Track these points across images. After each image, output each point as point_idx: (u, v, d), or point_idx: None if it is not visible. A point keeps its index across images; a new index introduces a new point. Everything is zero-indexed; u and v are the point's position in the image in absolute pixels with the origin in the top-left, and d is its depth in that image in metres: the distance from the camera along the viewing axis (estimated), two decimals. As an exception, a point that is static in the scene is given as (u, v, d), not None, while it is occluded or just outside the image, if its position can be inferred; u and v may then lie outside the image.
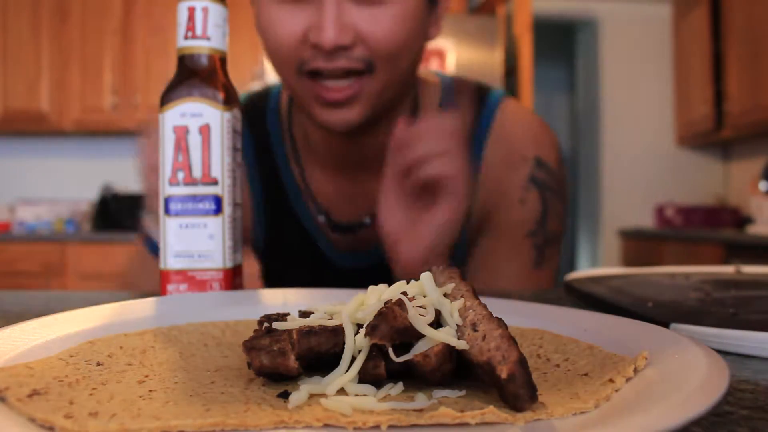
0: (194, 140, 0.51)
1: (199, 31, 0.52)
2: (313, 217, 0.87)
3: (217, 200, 0.52)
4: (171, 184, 0.52)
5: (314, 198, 0.87)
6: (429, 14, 0.78)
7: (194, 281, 0.52)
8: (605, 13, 4.51)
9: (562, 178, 0.89)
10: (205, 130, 0.51)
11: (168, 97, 0.52)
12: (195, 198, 0.52)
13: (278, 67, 0.75)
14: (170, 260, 0.52)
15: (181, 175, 0.52)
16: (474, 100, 0.87)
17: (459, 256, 0.85)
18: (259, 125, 0.91)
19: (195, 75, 0.52)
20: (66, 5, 3.64)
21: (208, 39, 0.52)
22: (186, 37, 0.52)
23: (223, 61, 0.55)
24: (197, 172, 0.52)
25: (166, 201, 0.52)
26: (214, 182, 0.52)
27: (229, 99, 0.53)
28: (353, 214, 0.85)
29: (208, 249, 0.52)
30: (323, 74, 0.71)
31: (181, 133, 0.51)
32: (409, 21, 0.73)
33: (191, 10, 0.52)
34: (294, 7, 0.71)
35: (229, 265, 0.53)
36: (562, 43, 5.30)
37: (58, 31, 3.65)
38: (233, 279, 0.53)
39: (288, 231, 0.89)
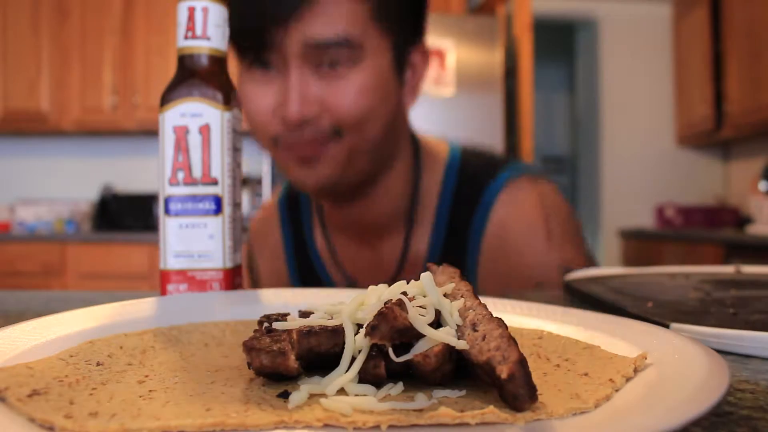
0: (194, 140, 0.51)
1: (199, 31, 0.52)
2: (338, 285, 0.91)
3: (217, 200, 0.52)
4: (171, 184, 0.52)
5: (341, 266, 0.91)
6: (400, 82, 0.81)
7: (194, 281, 0.52)
8: (605, 13, 4.51)
9: (570, 213, 0.91)
10: (205, 130, 0.51)
11: (168, 97, 0.52)
12: (195, 198, 0.52)
13: (257, 137, 0.80)
14: (170, 260, 0.52)
15: (181, 175, 0.52)
16: (477, 183, 0.87)
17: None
18: (293, 204, 0.98)
19: (195, 75, 0.52)
20: (66, 5, 3.64)
21: (208, 39, 0.52)
22: (186, 37, 0.52)
23: (223, 61, 0.55)
24: (197, 172, 0.52)
25: (166, 201, 0.52)
26: (214, 182, 0.52)
27: (229, 99, 0.53)
28: (371, 282, 0.89)
29: (208, 249, 0.52)
30: (293, 143, 0.76)
31: (181, 133, 0.51)
32: (374, 91, 0.76)
33: (191, 10, 0.52)
34: (264, 84, 0.76)
35: (229, 265, 0.53)
36: (562, 43, 5.30)
37: (58, 31, 3.65)
38: (233, 279, 0.53)
39: None
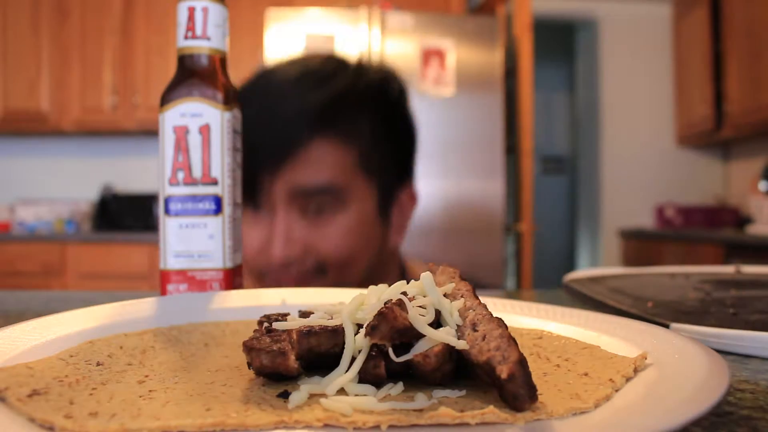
0: (194, 140, 0.51)
1: (199, 31, 0.52)
2: None
3: (217, 200, 0.52)
4: (171, 184, 0.52)
5: None
6: (385, 223, 0.84)
7: (194, 281, 0.52)
8: (605, 13, 4.50)
9: None
10: (205, 130, 0.51)
11: (168, 97, 0.52)
12: (195, 198, 0.52)
13: (248, 270, 0.82)
14: (170, 260, 0.52)
15: (181, 175, 0.52)
16: None
17: None
18: None
19: (195, 75, 0.52)
20: (66, 5, 3.64)
21: (208, 39, 0.52)
22: (186, 37, 0.52)
23: (223, 61, 0.54)
24: (197, 172, 0.52)
25: (166, 201, 0.52)
26: (214, 182, 0.52)
27: (229, 99, 0.53)
28: None
29: (208, 249, 0.52)
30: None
31: (181, 133, 0.51)
32: (358, 233, 0.79)
33: (191, 10, 0.51)
34: (253, 223, 0.79)
35: (229, 265, 0.53)
36: (562, 43, 5.30)
37: (58, 31, 3.64)
38: (233, 279, 0.53)
39: None
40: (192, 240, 0.52)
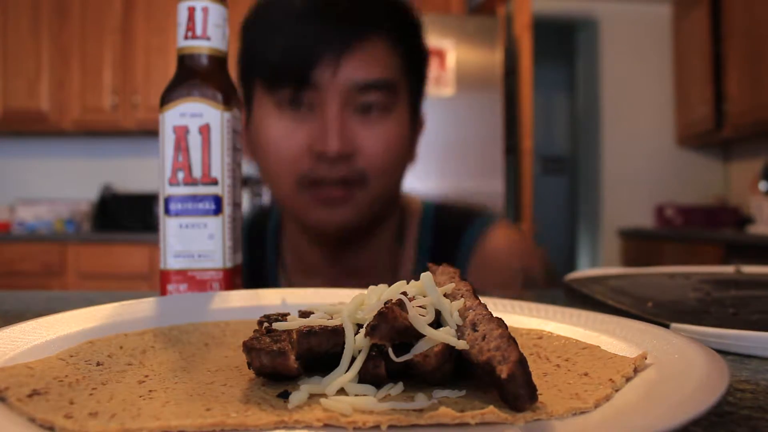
0: (194, 140, 0.51)
1: (199, 31, 0.52)
2: None
3: (217, 200, 0.52)
4: (171, 184, 0.52)
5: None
6: (412, 138, 0.85)
7: (194, 281, 0.52)
8: (605, 13, 4.50)
9: (541, 276, 0.94)
10: (205, 130, 0.51)
11: (168, 97, 0.52)
12: (195, 198, 0.52)
13: (277, 180, 0.80)
14: (170, 260, 0.52)
15: (181, 175, 0.52)
16: (455, 231, 0.90)
17: None
18: (256, 247, 0.95)
19: (195, 75, 0.52)
20: (66, 5, 3.64)
21: (208, 39, 0.52)
22: (186, 37, 0.52)
23: (223, 61, 0.54)
24: (197, 172, 0.52)
25: (166, 201, 0.52)
26: (214, 182, 0.52)
27: (229, 99, 0.53)
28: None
29: (208, 249, 0.52)
30: (320, 183, 0.76)
31: (181, 133, 0.51)
32: (401, 140, 0.80)
33: (191, 10, 0.51)
34: (299, 123, 0.77)
35: (229, 265, 0.53)
36: (562, 43, 5.30)
37: (58, 31, 3.64)
38: (233, 279, 0.53)
39: None
40: (192, 240, 0.52)
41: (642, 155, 4.48)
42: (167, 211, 0.52)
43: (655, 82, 4.50)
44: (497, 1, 3.29)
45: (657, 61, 4.49)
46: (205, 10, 0.51)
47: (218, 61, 0.53)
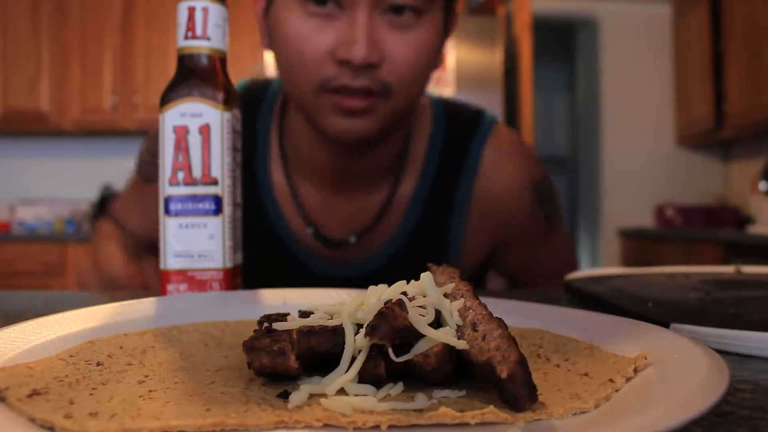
0: (194, 140, 0.51)
1: (199, 31, 0.52)
2: (288, 227, 0.85)
3: (217, 200, 0.52)
4: (171, 184, 0.52)
5: (304, 210, 0.85)
6: (441, 46, 0.81)
7: (194, 281, 0.52)
8: (605, 13, 4.50)
9: (551, 183, 0.93)
10: (205, 130, 0.51)
11: (168, 97, 0.52)
12: (195, 198, 0.52)
13: (295, 81, 0.74)
14: (170, 260, 0.52)
15: (181, 175, 0.52)
16: (465, 128, 0.88)
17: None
18: (249, 121, 0.88)
19: (195, 75, 0.52)
20: (66, 5, 3.64)
21: (208, 39, 0.52)
22: (186, 37, 0.52)
23: (223, 61, 0.54)
24: (197, 172, 0.52)
25: (166, 201, 0.52)
26: (214, 182, 0.52)
27: (229, 99, 0.53)
28: (339, 232, 0.85)
29: (208, 249, 0.52)
30: (343, 91, 0.71)
31: (181, 133, 0.51)
32: (432, 48, 0.75)
33: (191, 10, 0.52)
34: (323, 22, 0.71)
35: (229, 265, 0.53)
36: (562, 43, 5.30)
37: (58, 31, 3.64)
38: (233, 279, 0.53)
39: (259, 235, 0.85)
40: (192, 240, 0.52)
41: (642, 155, 4.48)
42: (167, 211, 0.52)
43: (655, 82, 4.50)
44: (497, 1, 3.29)
45: (657, 61, 4.49)
46: (205, 10, 0.51)
47: (218, 61, 0.53)
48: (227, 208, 0.53)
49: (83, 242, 3.38)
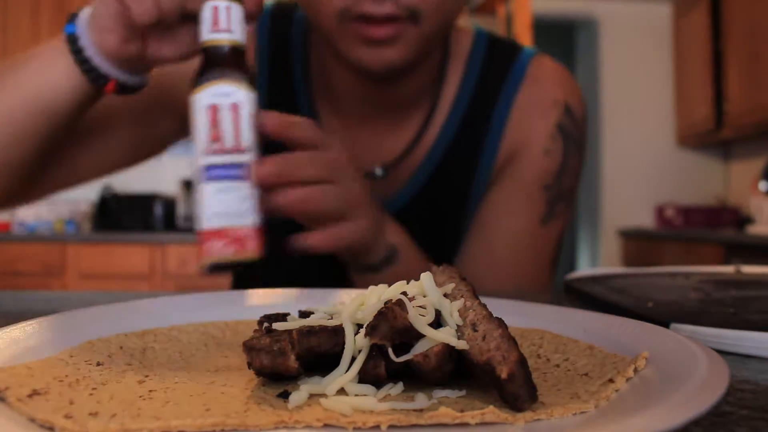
0: (225, 116, 0.57)
1: (223, 25, 0.58)
2: None
3: (247, 167, 0.57)
4: (207, 153, 0.57)
5: None
6: None
7: (230, 237, 0.55)
8: (605, 13, 4.50)
9: (585, 131, 0.86)
10: (234, 108, 0.57)
11: (199, 80, 0.58)
12: (228, 166, 0.57)
13: (316, 9, 0.70)
14: (208, 221, 0.56)
15: (215, 146, 0.57)
16: (507, 53, 0.83)
17: (471, 208, 0.82)
18: (282, 48, 0.82)
19: (221, 62, 0.58)
20: (66, 5, 3.64)
21: (230, 32, 0.58)
22: (211, 31, 0.58)
23: (243, 53, 0.60)
24: (230, 144, 0.57)
25: (204, 169, 0.57)
26: (244, 151, 0.57)
27: (252, 82, 0.59)
28: (365, 164, 0.80)
29: (241, 209, 0.56)
30: (367, 19, 0.67)
31: (214, 111, 0.57)
32: None
33: (215, 8, 0.58)
34: None
35: (258, 223, 0.56)
36: (562, 43, 5.30)
37: (59, 31, 3.62)
38: (261, 237, 0.57)
39: None
40: (227, 202, 0.56)
41: (642, 155, 4.48)
42: (205, 178, 0.56)
43: (655, 82, 4.50)
44: (497, 1, 3.29)
45: (657, 61, 4.49)
46: (228, 8, 0.58)
47: (240, 53, 0.59)
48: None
49: (83, 242, 3.38)
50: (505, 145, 0.81)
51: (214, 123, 0.56)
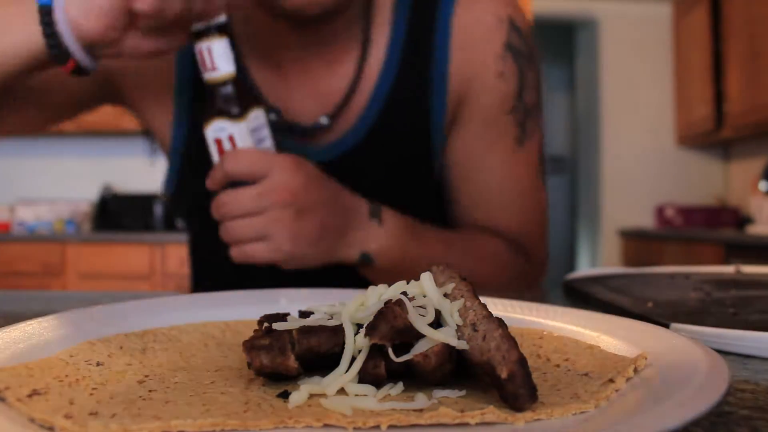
0: (227, 146, 0.65)
1: (209, 65, 0.64)
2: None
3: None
4: None
5: (258, 91, 0.78)
6: None
7: None
8: (605, 13, 4.50)
9: (533, 43, 0.82)
10: (231, 139, 0.65)
11: (205, 114, 0.65)
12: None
13: None
14: None
15: None
16: None
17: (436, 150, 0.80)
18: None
19: (214, 99, 0.65)
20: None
21: (216, 70, 0.64)
22: (204, 71, 0.65)
23: (233, 80, 0.65)
24: None
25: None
26: None
27: (246, 107, 0.65)
28: (308, 116, 0.78)
29: None
30: None
31: (219, 143, 0.65)
32: None
33: (200, 51, 0.64)
34: None
35: None
36: (562, 43, 5.30)
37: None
38: None
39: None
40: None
41: (642, 155, 4.48)
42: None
43: (655, 82, 4.50)
44: (497, 1, 3.29)
45: (657, 61, 4.49)
46: (209, 49, 0.64)
47: (230, 82, 0.65)
48: None
49: (83, 242, 3.38)
50: (455, 71, 0.77)
51: (221, 152, 0.66)
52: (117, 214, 3.71)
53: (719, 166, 4.48)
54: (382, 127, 0.77)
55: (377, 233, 0.70)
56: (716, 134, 3.93)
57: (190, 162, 0.82)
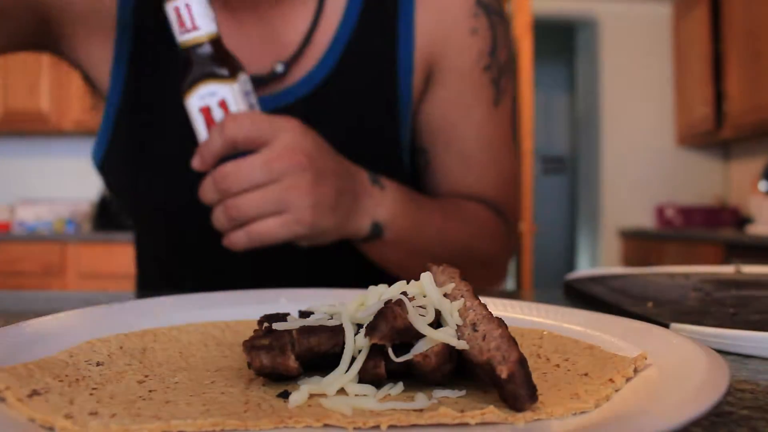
0: (217, 114, 0.58)
1: (188, 24, 0.58)
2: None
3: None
4: None
5: None
6: None
7: None
8: (605, 13, 4.51)
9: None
10: (223, 104, 0.58)
11: (182, 86, 0.59)
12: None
13: None
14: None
15: None
16: None
17: (403, 114, 0.76)
18: None
19: (197, 62, 0.59)
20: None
21: (198, 29, 0.58)
22: (180, 33, 0.59)
23: (217, 40, 0.60)
24: None
25: None
26: None
27: (234, 70, 0.59)
28: (262, 63, 0.74)
29: None
30: None
31: (206, 112, 0.58)
32: None
33: (176, 9, 0.58)
34: None
35: None
36: (562, 43, 5.30)
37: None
38: None
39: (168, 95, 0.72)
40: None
41: (642, 155, 4.48)
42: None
43: (655, 82, 4.50)
44: (497, 1, 3.28)
45: (657, 61, 4.49)
46: (187, 6, 0.58)
47: (213, 42, 0.59)
48: None
49: (83, 242, 3.38)
50: (423, 26, 0.74)
51: (210, 122, 0.58)
52: (117, 214, 3.70)
53: (719, 166, 4.48)
54: (341, 75, 0.73)
55: (383, 199, 0.65)
56: (716, 134, 3.93)
57: (127, 123, 0.76)
